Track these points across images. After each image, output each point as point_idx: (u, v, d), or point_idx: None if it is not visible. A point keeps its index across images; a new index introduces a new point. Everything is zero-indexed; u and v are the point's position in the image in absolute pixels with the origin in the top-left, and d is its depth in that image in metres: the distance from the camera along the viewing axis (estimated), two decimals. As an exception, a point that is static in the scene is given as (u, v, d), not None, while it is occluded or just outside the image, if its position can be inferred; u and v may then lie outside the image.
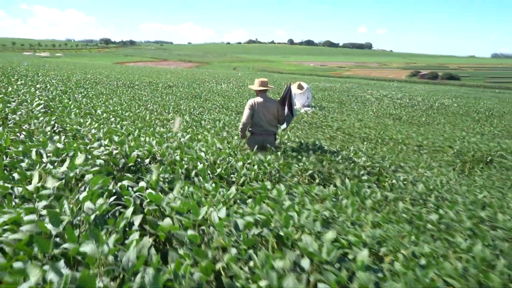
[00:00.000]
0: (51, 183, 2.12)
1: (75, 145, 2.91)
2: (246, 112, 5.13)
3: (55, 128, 4.37)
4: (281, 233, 1.99)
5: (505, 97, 25.15)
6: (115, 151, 3.00)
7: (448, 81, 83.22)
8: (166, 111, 8.82)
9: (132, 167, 2.97)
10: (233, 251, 1.76)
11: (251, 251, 1.75)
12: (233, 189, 2.68)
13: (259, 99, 5.18)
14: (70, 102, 6.52)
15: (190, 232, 1.79)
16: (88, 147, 3.10)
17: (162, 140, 3.89)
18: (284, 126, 5.77)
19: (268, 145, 5.08)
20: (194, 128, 6.34)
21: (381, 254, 2.09)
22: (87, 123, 4.65)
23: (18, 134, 3.84)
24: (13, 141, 3.24)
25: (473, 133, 8.49)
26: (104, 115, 5.83)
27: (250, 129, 5.22)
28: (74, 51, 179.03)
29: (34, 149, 2.85)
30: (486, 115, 12.18)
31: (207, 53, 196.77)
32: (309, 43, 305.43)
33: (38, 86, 8.83)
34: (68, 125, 4.44)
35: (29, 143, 3.07)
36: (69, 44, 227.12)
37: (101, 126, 4.45)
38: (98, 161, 2.81)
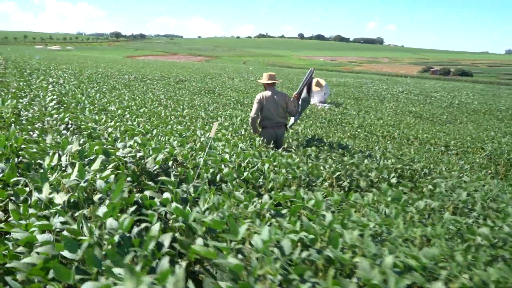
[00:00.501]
0: (60, 199, 1.87)
1: (97, 147, 2.65)
2: (254, 106, 5.31)
3: (69, 126, 4.15)
4: (331, 256, 1.72)
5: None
6: (138, 154, 2.75)
7: (461, 77, 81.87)
8: (181, 107, 8.58)
9: (155, 172, 2.72)
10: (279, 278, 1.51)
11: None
12: (266, 197, 2.42)
13: (267, 93, 5.35)
14: (83, 98, 6.30)
15: (230, 259, 1.52)
16: (106, 147, 2.86)
17: (184, 140, 3.63)
18: (292, 121, 6.11)
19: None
20: (211, 125, 6.09)
21: (444, 279, 1.81)
22: (103, 121, 4.41)
23: (31, 132, 3.61)
24: (26, 141, 3.01)
25: (501, 133, 8.12)
26: (119, 111, 5.60)
27: (261, 123, 5.40)
28: (84, 45, 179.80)
29: (51, 151, 2.61)
30: (510, 113, 11.75)
31: (217, 47, 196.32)
32: (319, 37, 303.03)
33: (50, 80, 8.64)
34: (83, 123, 4.21)
35: (46, 143, 2.83)
36: (80, 38, 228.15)
37: (117, 124, 4.21)
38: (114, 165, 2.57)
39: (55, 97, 5.91)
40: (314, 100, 11.53)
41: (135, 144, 2.93)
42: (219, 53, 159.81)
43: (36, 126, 3.79)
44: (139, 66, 25.90)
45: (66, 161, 2.43)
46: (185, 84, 14.45)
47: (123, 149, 2.83)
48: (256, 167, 3.29)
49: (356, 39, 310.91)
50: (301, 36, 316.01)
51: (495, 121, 10.38)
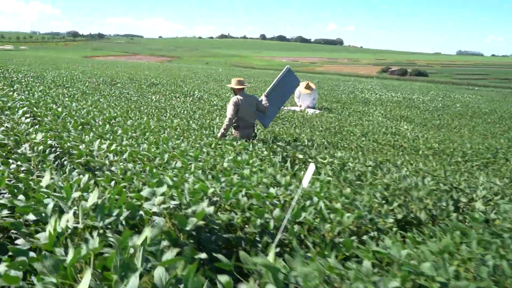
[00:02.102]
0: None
1: (118, 197, 1.88)
2: (231, 108, 5.65)
3: (56, 151, 3.31)
4: None
5: (489, 95, 25.12)
6: (172, 203, 2.00)
7: (418, 78, 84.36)
8: (165, 115, 7.76)
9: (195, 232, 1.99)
10: None
11: None
12: (369, 263, 1.75)
13: (240, 97, 5.75)
14: (59, 109, 5.38)
15: None
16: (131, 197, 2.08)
17: (217, 172, 2.89)
18: (266, 120, 6.54)
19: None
20: (212, 139, 5.34)
21: None
22: (96, 143, 3.59)
23: (11, 163, 2.77)
24: (7, 188, 2.19)
25: (504, 138, 7.82)
26: (107, 126, 4.74)
27: (234, 124, 5.82)
28: (39, 44, 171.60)
29: (51, 203, 1.83)
30: (496, 116, 11.66)
31: (178, 48, 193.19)
32: (281, 38, 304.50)
33: (16, 86, 7.56)
34: (69, 145, 3.38)
35: (40, 189, 2.03)
36: (34, 37, 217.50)
37: (117, 147, 3.40)
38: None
39: (26, 108, 4.98)
40: (303, 105, 10.95)
41: (166, 188, 2.14)
42: (180, 54, 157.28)
43: (14, 156, 2.93)
44: (103, 67, 24.50)
45: (75, 225, 1.66)
46: (159, 88, 13.51)
47: (150, 197, 2.07)
48: (313, 207, 2.61)
49: (317, 40, 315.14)
50: (263, 37, 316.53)
51: (485, 125, 10.19)
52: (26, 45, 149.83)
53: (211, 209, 2.18)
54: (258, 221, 2.23)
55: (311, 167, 2.01)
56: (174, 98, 11.52)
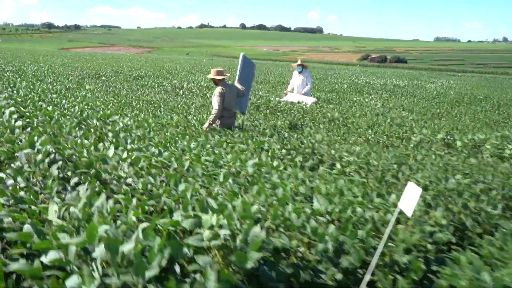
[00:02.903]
0: None
1: (158, 240, 1.47)
2: (217, 100, 5.66)
3: (55, 160, 2.87)
4: None
5: (472, 81, 25.20)
6: (222, 233, 1.62)
7: (397, 64, 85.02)
8: (159, 111, 7.30)
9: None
10: None
11: None
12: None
13: (223, 87, 5.76)
14: (50, 108, 4.87)
15: None
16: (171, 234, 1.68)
17: (261, 184, 2.50)
18: (243, 108, 6.76)
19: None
20: (223, 137, 4.94)
21: None
22: (100, 148, 3.16)
23: (5, 178, 2.34)
24: (13, 212, 1.77)
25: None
26: (109, 127, 4.28)
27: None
28: (14, 36, 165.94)
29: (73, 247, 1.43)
30: (492, 102, 11.52)
31: (157, 38, 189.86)
32: (261, 27, 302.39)
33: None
34: (74, 154, 2.94)
35: (57, 224, 1.62)
36: (8, 29, 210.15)
37: (126, 153, 2.97)
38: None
39: (13, 108, 4.47)
40: (296, 90, 10.49)
41: (213, 217, 1.74)
42: (160, 44, 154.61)
43: (8, 170, 2.48)
44: (83, 60, 23.61)
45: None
46: (146, 81, 12.93)
47: (194, 228, 1.67)
48: (361, 218, 2.26)
49: (297, 28, 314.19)
50: (243, 26, 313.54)
51: (484, 112, 10.02)
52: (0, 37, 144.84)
53: (263, 234, 1.80)
54: (320, 246, 1.86)
55: (413, 189, 1.63)
56: (163, 91, 11.01)
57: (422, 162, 4.57)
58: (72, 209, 1.88)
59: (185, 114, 7.18)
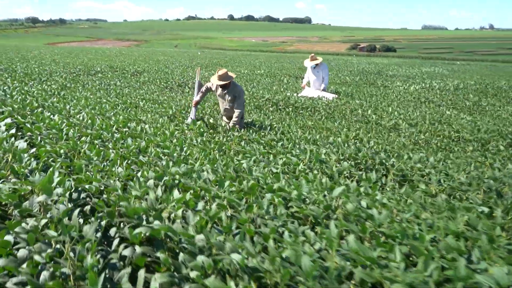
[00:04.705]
0: None
1: None
2: (243, 100, 5.74)
3: (81, 200, 2.03)
4: None
5: (473, 69, 24.58)
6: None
7: (387, 53, 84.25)
8: (175, 113, 6.44)
9: None
10: None
11: None
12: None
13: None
14: (54, 117, 3.99)
15: None
16: None
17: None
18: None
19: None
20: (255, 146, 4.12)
21: None
22: (158, 189, 2.32)
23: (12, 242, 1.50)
24: None
25: None
26: (121, 143, 3.42)
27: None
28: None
29: None
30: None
31: (145, 31, 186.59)
32: (249, 18, 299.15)
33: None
34: (118, 205, 2.11)
35: None
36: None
37: (164, 193, 2.14)
38: None
39: (9, 119, 3.59)
40: (312, 85, 9.64)
41: None
42: (148, 37, 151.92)
43: (19, 230, 1.64)
44: (72, 55, 22.43)
45: None
46: (146, 77, 11.98)
47: None
48: None
49: (285, 19, 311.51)
50: (231, 17, 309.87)
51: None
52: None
53: None
54: None
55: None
56: (169, 88, 10.12)
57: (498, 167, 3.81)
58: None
59: (201, 115, 6.35)
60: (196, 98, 5.96)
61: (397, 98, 9.44)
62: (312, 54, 9.70)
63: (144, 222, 1.86)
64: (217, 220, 2.01)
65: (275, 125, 5.91)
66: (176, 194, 2.03)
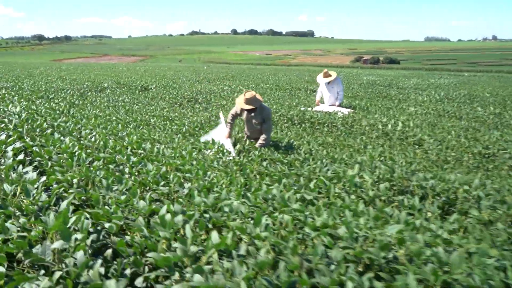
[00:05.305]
0: None
1: None
2: (271, 124, 5.50)
3: (106, 247, 1.74)
4: None
5: (482, 80, 24.23)
6: None
7: (391, 65, 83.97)
8: (189, 131, 6.15)
9: None
10: None
11: None
12: None
13: None
14: (65, 139, 3.71)
15: None
16: None
17: None
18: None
19: None
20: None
21: None
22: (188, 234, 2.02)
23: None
24: None
25: None
26: (134, 158, 3.13)
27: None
28: (4, 50, 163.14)
29: None
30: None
31: (150, 46, 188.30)
32: (253, 32, 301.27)
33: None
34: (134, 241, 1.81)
35: None
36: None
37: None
38: None
39: (18, 143, 3.31)
40: (326, 101, 9.34)
41: None
42: (152, 52, 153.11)
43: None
44: (80, 71, 22.36)
45: None
46: (153, 93, 11.75)
47: None
48: None
49: (288, 32, 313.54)
50: (234, 32, 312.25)
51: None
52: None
53: None
54: None
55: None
56: (178, 104, 9.87)
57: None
58: None
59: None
60: (227, 130, 5.37)
61: (415, 112, 9.12)
62: (325, 70, 9.38)
63: (177, 274, 1.55)
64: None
65: (294, 142, 5.61)
66: (214, 236, 1.71)
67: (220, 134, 5.26)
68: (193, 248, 1.73)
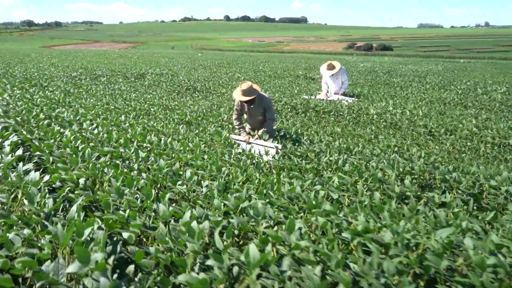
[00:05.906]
0: None
1: None
2: (274, 110, 5.16)
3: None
4: None
5: (478, 67, 24.09)
6: None
7: (385, 52, 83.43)
8: (192, 121, 5.89)
9: None
10: None
11: None
12: None
13: None
14: (66, 132, 3.44)
15: None
16: None
17: None
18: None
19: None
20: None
21: None
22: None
23: None
24: None
25: None
26: (142, 154, 2.88)
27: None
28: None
29: None
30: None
31: (141, 33, 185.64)
32: (245, 19, 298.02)
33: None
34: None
35: None
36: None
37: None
38: None
39: (15, 137, 3.05)
40: (331, 91, 9.10)
41: None
42: (144, 39, 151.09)
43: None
44: (71, 57, 21.83)
45: None
46: (151, 82, 11.42)
47: None
48: None
49: (281, 19, 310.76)
50: (227, 18, 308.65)
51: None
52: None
53: None
54: None
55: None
56: (176, 92, 9.57)
57: None
58: None
59: (220, 122, 5.82)
60: (243, 134, 4.99)
61: (419, 99, 8.91)
62: (329, 62, 9.07)
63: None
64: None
65: (303, 133, 5.37)
66: (253, 250, 1.48)
67: (245, 145, 4.79)
68: (227, 262, 1.51)
